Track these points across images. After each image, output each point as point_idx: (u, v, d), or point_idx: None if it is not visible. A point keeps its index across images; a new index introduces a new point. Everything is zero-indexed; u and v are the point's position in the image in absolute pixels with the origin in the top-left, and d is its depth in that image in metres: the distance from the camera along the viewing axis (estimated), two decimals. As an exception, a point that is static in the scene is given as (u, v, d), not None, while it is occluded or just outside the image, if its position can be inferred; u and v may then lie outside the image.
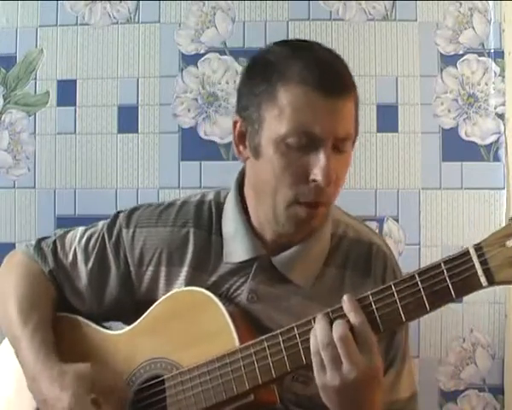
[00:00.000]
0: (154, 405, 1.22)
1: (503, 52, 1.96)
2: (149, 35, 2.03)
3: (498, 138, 1.97)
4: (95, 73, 2.04)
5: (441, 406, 1.98)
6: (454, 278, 1.04)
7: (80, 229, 1.39)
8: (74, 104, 2.04)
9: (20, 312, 1.28)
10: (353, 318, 1.08)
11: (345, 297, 1.10)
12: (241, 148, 1.25)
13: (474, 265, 1.03)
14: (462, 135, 1.99)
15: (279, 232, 1.24)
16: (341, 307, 1.10)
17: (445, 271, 1.05)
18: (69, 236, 1.38)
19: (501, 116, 1.97)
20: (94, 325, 1.32)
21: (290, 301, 1.25)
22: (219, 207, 1.32)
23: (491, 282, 1.03)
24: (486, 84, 1.98)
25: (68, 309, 1.35)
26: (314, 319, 1.11)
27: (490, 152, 1.98)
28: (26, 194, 2.04)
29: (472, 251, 1.04)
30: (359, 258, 1.29)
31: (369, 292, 1.09)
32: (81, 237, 1.37)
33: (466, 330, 1.97)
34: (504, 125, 1.96)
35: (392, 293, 1.08)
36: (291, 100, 1.15)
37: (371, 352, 1.07)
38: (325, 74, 1.15)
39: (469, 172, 1.98)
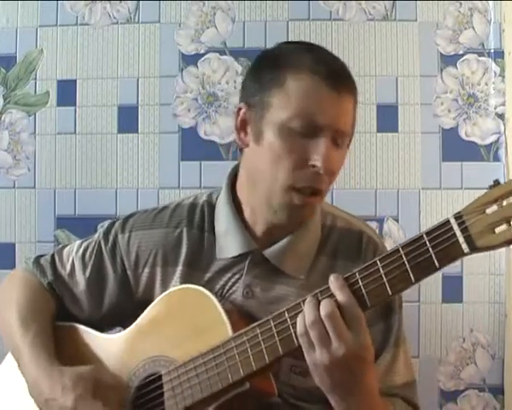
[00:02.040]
0: (153, 401, 1.24)
1: (503, 52, 1.96)
2: (149, 35, 2.03)
3: (498, 138, 1.97)
4: (95, 73, 2.04)
5: (441, 406, 1.98)
6: (436, 248, 1.06)
7: (77, 242, 1.43)
8: (74, 104, 2.04)
9: (21, 322, 1.31)
10: (340, 295, 1.09)
11: (331, 277, 1.11)
12: (242, 134, 1.28)
13: (454, 233, 1.05)
14: (462, 135, 1.99)
15: (271, 222, 1.26)
16: (329, 288, 1.11)
17: (427, 241, 1.07)
18: (67, 249, 1.42)
19: (501, 116, 1.97)
20: (92, 331, 1.34)
21: (285, 293, 1.27)
22: (212, 206, 1.35)
23: (473, 248, 1.04)
24: (486, 84, 1.98)
25: (69, 319, 1.37)
26: (303, 301, 1.12)
27: (490, 152, 1.98)
28: (26, 194, 2.04)
29: (452, 220, 1.05)
30: (350, 247, 1.31)
31: (355, 270, 1.11)
32: (78, 248, 1.40)
33: (466, 330, 1.98)
34: (504, 125, 1.96)
35: (378, 268, 1.09)
36: (300, 87, 1.19)
37: (359, 328, 1.08)
38: (334, 69, 1.21)
39: (469, 172, 1.98)
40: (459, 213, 1.05)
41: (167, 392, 1.21)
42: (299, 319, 1.10)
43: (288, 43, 1.32)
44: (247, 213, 1.30)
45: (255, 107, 1.24)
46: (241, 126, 1.28)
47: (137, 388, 1.25)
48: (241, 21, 2.02)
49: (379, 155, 1.99)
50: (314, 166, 1.19)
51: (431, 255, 1.06)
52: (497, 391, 1.97)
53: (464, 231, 1.04)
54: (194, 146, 2.02)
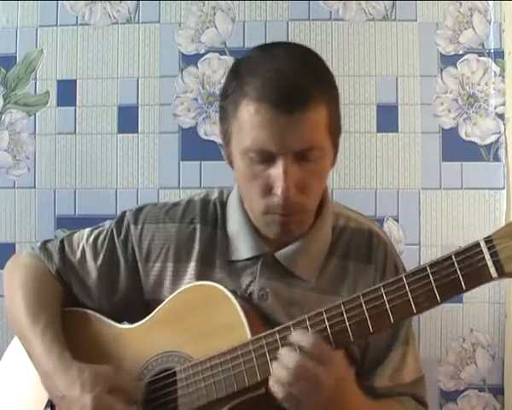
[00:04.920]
0: (166, 397, 1.23)
1: (503, 52, 1.96)
2: (149, 35, 2.03)
3: (498, 138, 1.97)
4: (95, 73, 2.04)
5: (441, 406, 1.98)
6: (464, 270, 1.06)
7: (87, 229, 1.41)
8: (74, 104, 2.04)
9: (29, 311, 1.30)
10: (303, 342, 1.11)
11: (293, 334, 1.13)
12: (227, 151, 1.28)
13: (484, 257, 1.05)
14: (462, 135, 1.99)
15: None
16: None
17: (455, 263, 1.07)
18: (76, 235, 1.41)
19: (501, 116, 1.97)
20: (105, 319, 1.33)
21: (298, 295, 1.27)
22: (223, 205, 1.35)
23: (501, 273, 1.04)
24: (486, 84, 1.98)
25: (76, 306, 1.37)
26: (326, 310, 1.12)
27: (490, 152, 1.98)
28: (26, 194, 2.04)
29: (482, 243, 1.05)
30: (360, 247, 1.31)
31: (380, 284, 1.11)
32: (89, 236, 1.39)
33: (466, 330, 1.97)
34: (504, 125, 1.96)
35: (404, 285, 1.09)
36: (248, 117, 1.17)
37: (330, 361, 1.10)
38: (282, 91, 1.15)
39: (469, 172, 1.98)
40: (489, 237, 1.05)
41: (181, 389, 1.21)
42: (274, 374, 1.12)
43: (253, 52, 1.25)
44: (255, 222, 1.30)
45: (226, 133, 1.25)
46: (226, 145, 1.28)
47: (149, 382, 1.25)
48: (241, 21, 2.02)
49: (379, 155, 1.99)
50: (275, 194, 1.18)
51: (458, 277, 1.06)
52: (497, 391, 1.97)
53: (494, 255, 1.04)
54: (194, 146, 2.02)
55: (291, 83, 1.16)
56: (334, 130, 1.22)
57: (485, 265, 1.05)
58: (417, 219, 1.98)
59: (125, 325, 1.32)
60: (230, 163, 1.27)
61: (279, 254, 1.28)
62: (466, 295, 1.96)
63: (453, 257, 1.07)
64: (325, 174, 1.25)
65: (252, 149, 1.18)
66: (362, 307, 1.11)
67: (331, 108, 1.20)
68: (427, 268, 1.08)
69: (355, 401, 1.16)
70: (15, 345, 1.36)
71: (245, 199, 1.28)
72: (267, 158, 1.17)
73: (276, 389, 1.11)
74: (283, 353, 1.11)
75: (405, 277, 1.09)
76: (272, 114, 1.15)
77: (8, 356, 1.40)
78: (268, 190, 1.19)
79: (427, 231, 1.98)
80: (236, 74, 1.23)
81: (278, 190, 1.17)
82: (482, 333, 1.97)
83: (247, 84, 1.18)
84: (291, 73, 1.17)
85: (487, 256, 1.05)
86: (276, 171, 1.17)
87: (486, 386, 1.98)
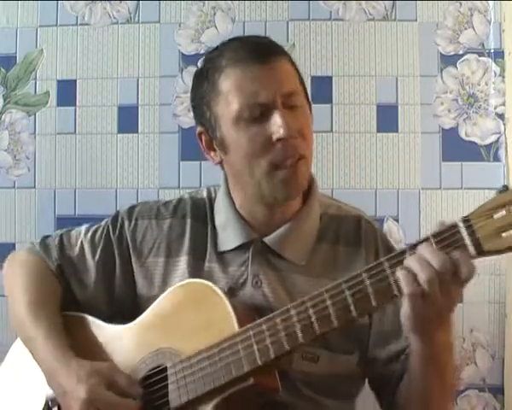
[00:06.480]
0: (157, 392, 1.24)
1: (503, 52, 1.96)
2: (149, 35, 2.03)
3: (498, 138, 1.97)
4: (95, 73, 2.04)
5: (441, 406, 1.98)
6: (443, 250, 1.06)
7: (84, 226, 1.43)
8: (74, 104, 2.04)
9: (30, 312, 1.31)
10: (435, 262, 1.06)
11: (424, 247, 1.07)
12: (212, 154, 1.33)
13: (462, 236, 1.05)
14: (462, 135, 1.99)
15: (272, 204, 1.29)
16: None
17: (433, 243, 1.07)
18: (74, 231, 1.43)
19: (501, 116, 1.97)
20: (100, 322, 1.34)
21: (291, 279, 1.29)
22: (211, 201, 1.39)
23: (480, 251, 1.04)
24: (486, 84, 1.98)
25: (72, 303, 1.37)
26: (310, 298, 1.12)
27: (490, 152, 1.98)
28: (26, 194, 2.04)
29: (460, 223, 1.06)
30: (349, 232, 1.34)
31: (382, 259, 1.10)
32: (86, 232, 1.41)
33: (466, 330, 1.97)
34: (504, 125, 1.96)
35: (384, 268, 1.09)
36: (231, 82, 1.24)
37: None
38: (252, 47, 1.26)
39: (469, 172, 1.98)
40: (467, 216, 1.05)
41: (171, 384, 1.22)
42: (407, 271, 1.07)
43: (209, 51, 1.35)
44: (243, 211, 1.33)
45: (208, 123, 1.29)
46: (208, 147, 1.33)
47: (142, 379, 1.26)
48: (241, 21, 2.02)
49: (379, 155, 1.99)
50: (279, 138, 1.22)
51: None
52: (497, 391, 1.97)
53: (471, 234, 1.04)
54: (194, 146, 2.00)
55: (258, 40, 1.30)
56: (303, 84, 1.30)
57: (464, 244, 1.05)
58: (417, 219, 1.98)
59: (117, 326, 1.33)
60: (224, 149, 1.28)
61: (268, 238, 1.30)
62: (466, 295, 1.96)
63: (431, 238, 1.07)
64: (310, 124, 1.29)
65: (245, 107, 1.22)
66: (363, 282, 1.10)
67: (294, 63, 1.30)
68: (407, 250, 1.09)
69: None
70: (17, 346, 1.37)
71: (245, 178, 1.27)
72: (260, 113, 1.23)
73: (411, 283, 1.05)
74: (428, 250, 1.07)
75: (386, 260, 1.09)
76: (252, 67, 1.23)
77: (9, 357, 1.41)
78: (268, 143, 1.23)
79: (427, 231, 1.97)
80: (201, 70, 1.32)
81: (280, 130, 1.21)
82: (482, 333, 1.97)
83: (218, 62, 1.26)
84: (255, 37, 1.31)
85: (465, 235, 1.05)
86: (273, 119, 1.22)
87: (486, 386, 1.98)
